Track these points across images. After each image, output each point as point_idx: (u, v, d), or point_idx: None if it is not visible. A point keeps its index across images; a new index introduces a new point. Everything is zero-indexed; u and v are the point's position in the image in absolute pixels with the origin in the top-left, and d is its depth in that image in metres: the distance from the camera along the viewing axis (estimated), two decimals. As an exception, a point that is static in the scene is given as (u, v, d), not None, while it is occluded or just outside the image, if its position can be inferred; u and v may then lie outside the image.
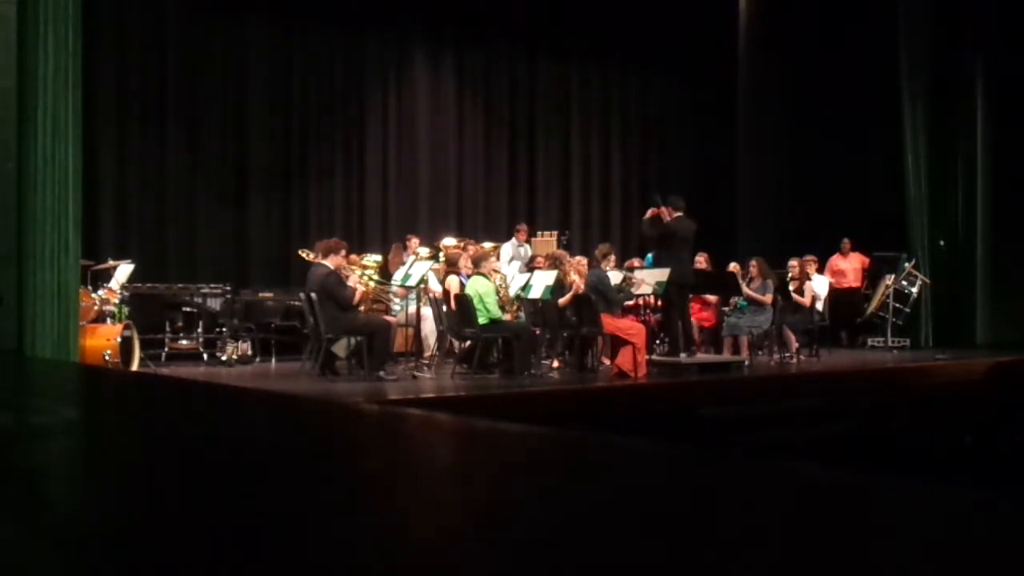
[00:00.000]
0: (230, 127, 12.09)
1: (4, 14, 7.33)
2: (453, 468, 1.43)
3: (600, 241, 12.20)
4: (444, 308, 9.24)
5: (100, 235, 10.76)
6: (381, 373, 8.22)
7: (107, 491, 1.27)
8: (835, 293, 12.16)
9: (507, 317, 9.44)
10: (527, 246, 11.85)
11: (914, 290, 12.45)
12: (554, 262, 9.52)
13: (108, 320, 8.56)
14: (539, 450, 1.52)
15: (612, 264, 10.23)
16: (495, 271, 9.85)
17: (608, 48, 14.80)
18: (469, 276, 9.18)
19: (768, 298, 10.27)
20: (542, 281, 9.17)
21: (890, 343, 12.15)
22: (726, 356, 10.10)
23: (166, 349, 10.35)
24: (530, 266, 11.09)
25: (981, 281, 13.14)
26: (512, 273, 10.71)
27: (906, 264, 12.59)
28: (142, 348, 8.87)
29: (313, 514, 1.06)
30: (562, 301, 9.14)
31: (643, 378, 8.64)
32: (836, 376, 9.65)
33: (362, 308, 8.99)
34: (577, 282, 9.29)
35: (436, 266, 9.89)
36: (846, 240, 12.83)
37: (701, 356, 9.74)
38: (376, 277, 10.38)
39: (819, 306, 11.11)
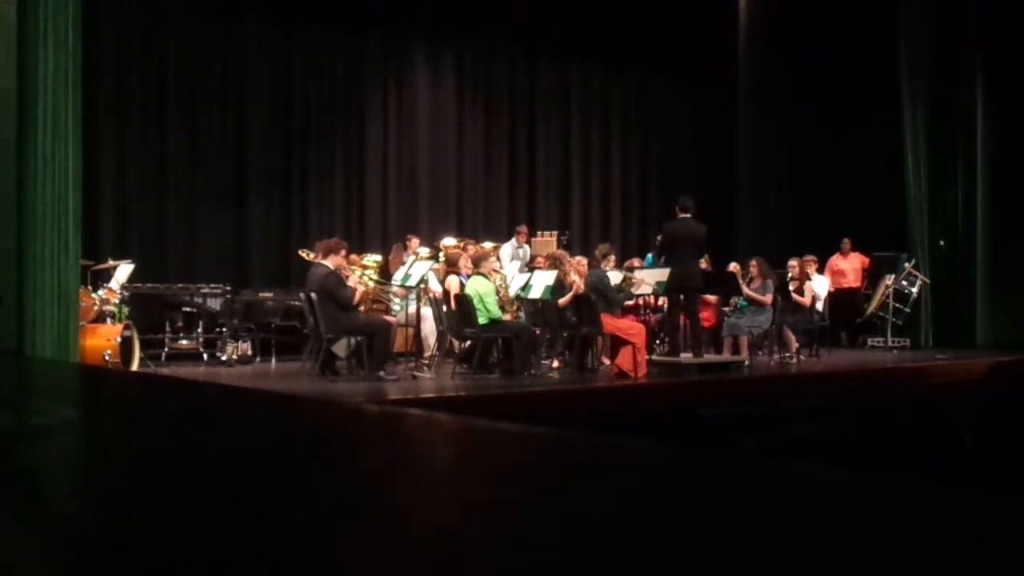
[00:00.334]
0: (230, 127, 12.09)
1: (4, 14, 7.33)
2: (453, 468, 1.43)
3: (600, 241, 12.20)
4: (444, 308, 9.24)
5: (100, 235, 10.77)
6: (381, 373, 8.22)
7: (107, 491, 1.27)
8: (835, 293, 12.17)
9: (507, 317, 9.44)
10: (527, 247, 11.85)
11: (914, 290, 12.45)
12: (554, 262, 9.52)
13: (108, 320, 8.56)
14: (539, 450, 1.52)
15: (612, 264, 10.23)
16: (495, 271, 9.85)
17: (608, 48, 14.81)
18: (469, 276, 9.18)
19: (768, 298, 10.26)
20: (542, 281, 9.17)
21: (890, 343, 12.15)
22: (726, 356, 10.09)
23: (166, 349, 10.35)
24: (530, 266, 11.09)
25: (981, 281, 13.15)
26: (512, 273, 10.71)
27: (906, 264, 12.59)
28: (142, 348, 8.87)
29: (313, 514, 1.06)
30: (562, 301, 9.14)
31: (643, 378, 8.64)
32: (836, 376, 9.65)
33: (362, 308, 8.99)
34: (577, 282, 9.29)
35: (436, 266, 9.89)
36: (846, 240, 12.83)
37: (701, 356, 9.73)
38: (376, 277, 10.38)
39: (819, 306, 11.11)
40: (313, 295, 8.36)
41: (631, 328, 9.07)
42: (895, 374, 10.12)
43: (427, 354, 9.69)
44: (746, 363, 9.84)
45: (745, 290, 10.28)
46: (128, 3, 11.37)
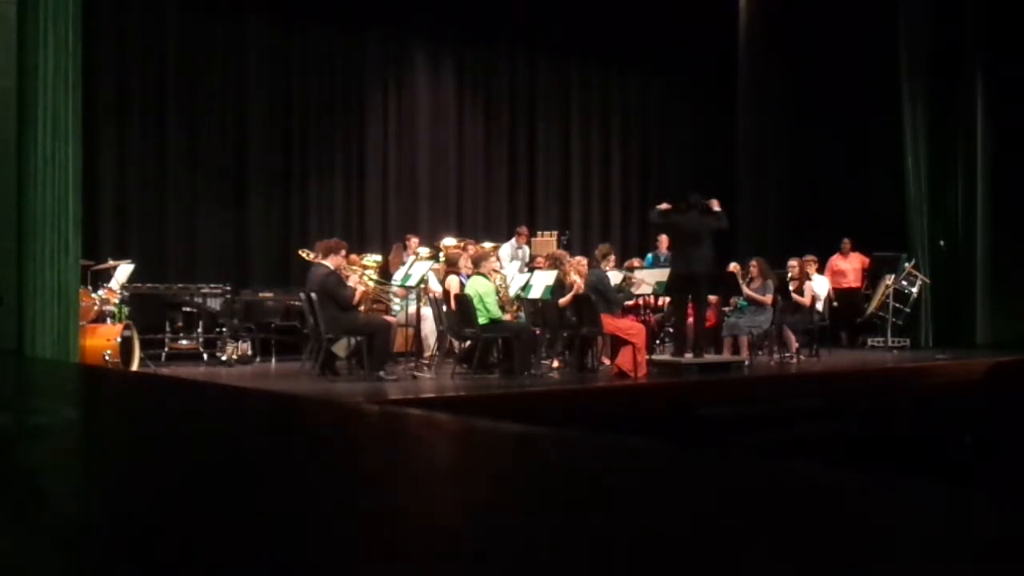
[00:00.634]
0: (230, 127, 12.09)
1: (4, 14, 7.33)
2: (453, 468, 1.43)
3: (600, 241, 12.20)
4: (444, 308, 9.24)
5: (100, 235, 10.77)
6: (381, 373, 8.22)
7: (107, 491, 1.27)
8: (835, 293, 12.17)
9: (507, 317, 9.44)
10: (526, 248, 11.85)
11: (914, 290, 12.45)
12: (554, 262, 9.52)
13: (108, 320, 8.56)
14: (539, 450, 1.52)
15: (612, 264, 10.23)
16: (495, 271, 9.85)
17: (608, 48, 14.81)
18: (469, 276, 9.18)
19: (768, 298, 10.26)
20: (542, 281, 9.17)
21: (890, 343, 12.15)
22: (726, 356, 10.09)
23: (166, 349, 10.35)
24: (530, 266, 11.09)
25: (981, 281, 13.14)
26: (512, 273, 10.71)
27: (906, 264, 12.59)
28: (142, 348, 8.87)
29: (313, 514, 1.06)
30: (562, 301, 9.14)
31: (643, 378, 8.64)
32: (836, 376, 9.65)
33: (362, 308, 8.99)
34: (577, 282, 9.29)
35: (436, 266, 9.89)
36: (846, 240, 12.83)
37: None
38: (376, 277, 10.38)
39: (819, 306, 11.11)
40: (313, 295, 8.36)
41: (631, 328, 9.07)
42: (895, 374, 10.12)
43: (427, 354, 9.69)
44: (746, 363, 9.84)
45: (745, 290, 10.28)
46: (128, 3, 11.37)
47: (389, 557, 0.90)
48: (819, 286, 11.32)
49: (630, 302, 10.23)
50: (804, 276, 11.03)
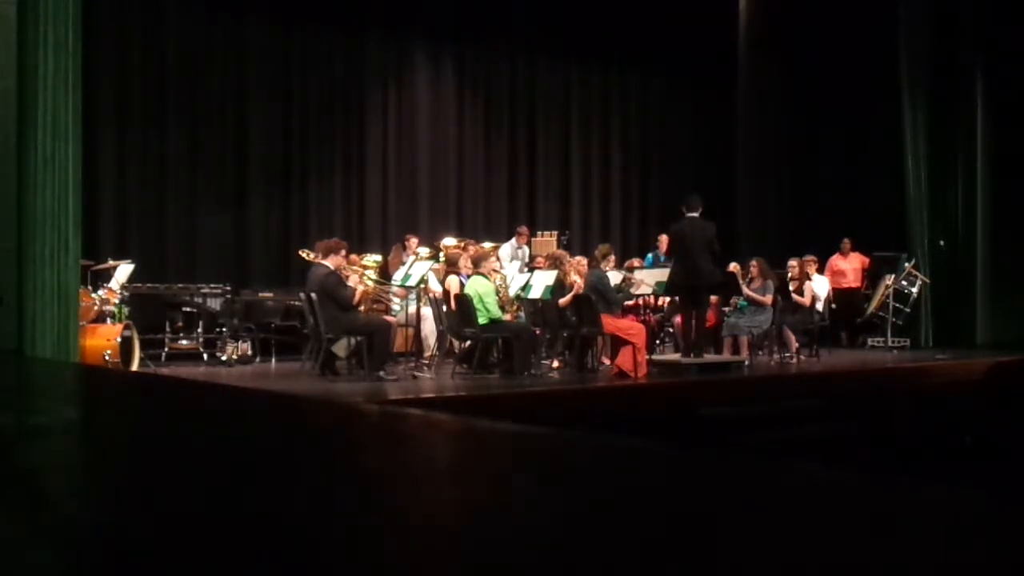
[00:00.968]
0: (230, 127, 12.08)
1: (4, 14, 7.33)
2: (453, 468, 1.43)
3: (600, 241, 12.20)
4: (444, 308, 9.24)
5: (100, 235, 10.76)
6: (381, 373, 8.22)
7: (107, 491, 1.27)
8: (835, 293, 12.17)
9: (507, 317, 9.44)
10: (525, 248, 11.85)
11: (914, 290, 12.45)
12: (554, 262, 9.51)
13: (108, 320, 8.55)
14: (539, 450, 1.52)
15: (612, 264, 10.23)
16: (495, 271, 9.85)
17: (608, 48, 14.81)
18: (469, 276, 9.18)
19: (768, 298, 10.26)
20: (542, 281, 9.17)
21: (890, 343, 12.15)
22: (726, 356, 10.09)
23: (166, 349, 10.35)
24: (530, 266, 11.09)
25: (981, 281, 13.14)
26: (512, 273, 10.71)
27: (906, 264, 12.59)
28: (142, 348, 8.87)
29: (313, 514, 1.06)
30: (562, 301, 9.14)
31: (643, 378, 8.64)
32: (836, 376, 9.64)
33: (362, 308, 8.99)
34: (577, 282, 9.29)
35: (436, 266, 9.89)
36: (846, 240, 12.83)
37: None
38: (376, 277, 10.38)
39: (819, 306, 11.11)
40: (313, 295, 8.36)
41: (631, 328, 9.07)
42: (895, 374, 10.12)
43: (427, 354, 9.69)
44: (746, 363, 9.84)
45: (745, 290, 10.28)
46: (128, 3, 11.36)
47: (389, 557, 0.90)
48: (819, 286, 11.32)
49: (630, 302, 10.23)
50: (804, 276, 11.02)
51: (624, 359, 8.78)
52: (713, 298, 10.70)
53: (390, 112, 13.34)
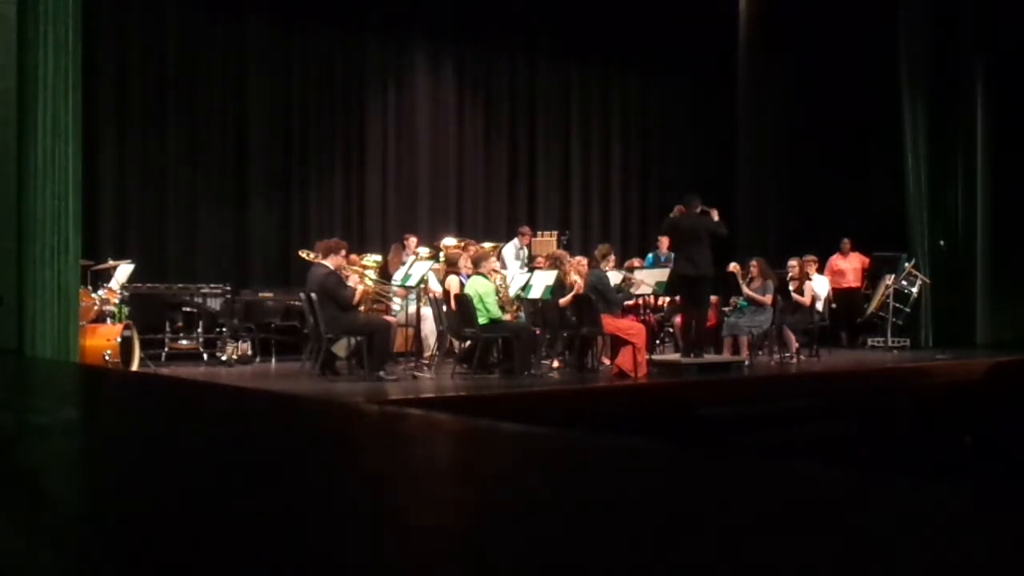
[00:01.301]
0: (230, 127, 12.08)
1: (4, 14, 7.33)
2: (453, 468, 1.43)
3: (600, 241, 12.20)
4: (444, 308, 9.24)
5: (100, 235, 10.76)
6: (381, 373, 8.22)
7: (107, 491, 1.27)
8: (835, 293, 12.17)
9: (507, 317, 9.44)
10: (526, 248, 11.86)
11: (914, 290, 12.45)
12: (554, 262, 9.51)
13: (108, 320, 8.56)
14: (539, 450, 1.52)
15: (612, 264, 10.23)
16: (495, 271, 9.85)
17: (608, 48, 14.81)
18: (469, 276, 9.18)
19: (768, 298, 10.26)
20: (542, 281, 9.17)
21: (890, 343, 12.15)
22: (726, 356, 10.09)
23: (166, 349, 10.35)
24: (530, 266, 11.09)
25: (981, 281, 13.14)
26: (512, 273, 10.72)
27: (906, 264, 12.59)
28: (142, 348, 8.87)
29: (313, 514, 1.06)
30: (562, 301, 9.14)
31: (643, 378, 8.64)
32: (836, 376, 9.65)
33: (362, 308, 8.99)
34: (577, 282, 9.29)
35: (436, 266, 9.89)
36: (846, 240, 12.83)
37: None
38: (376, 277, 10.38)
39: (819, 306, 11.11)
40: (313, 295, 8.36)
41: (631, 328, 9.07)
42: (895, 374, 10.12)
43: (427, 354, 9.69)
44: (746, 363, 9.84)
45: (745, 290, 10.28)
46: (128, 3, 11.36)
47: (389, 557, 0.90)
48: (819, 286, 11.32)
49: (630, 302, 10.23)
50: (804, 276, 11.03)
51: (624, 359, 8.78)
52: (713, 298, 10.71)
53: (390, 112, 13.34)
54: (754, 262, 10.62)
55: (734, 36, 14.68)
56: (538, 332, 9.28)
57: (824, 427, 7.95)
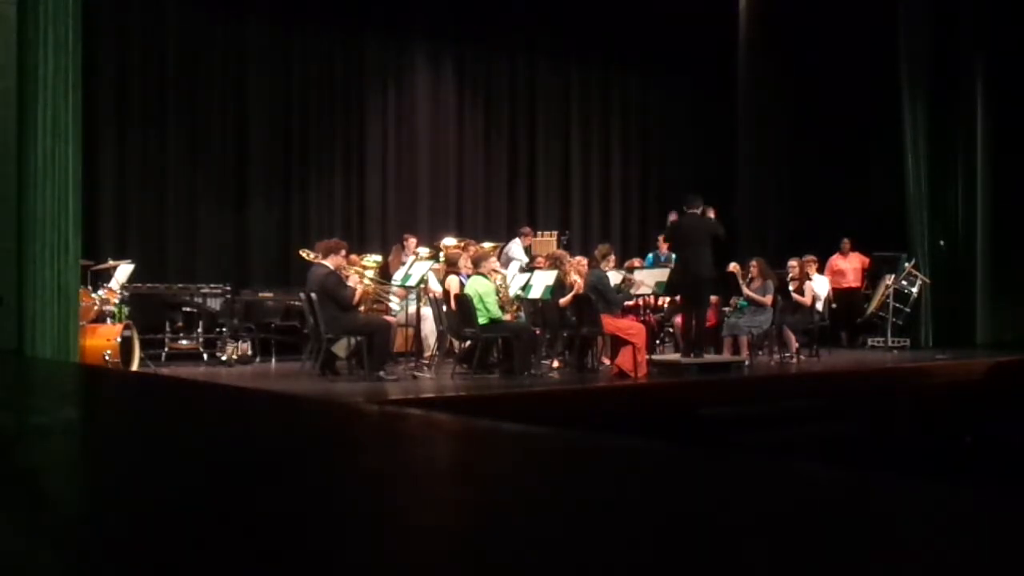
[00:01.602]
0: (230, 127, 12.09)
1: (4, 14, 7.33)
2: (453, 468, 1.43)
3: (600, 241, 12.20)
4: (444, 308, 9.24)
5: (100, 235, 10.76)
6: (381, 373, 8.22)
7: (107, 491, 1.27)
8: (835, 293, 12.17)
9: (507, 317, 9.44)
10: (526, 249, 11.86)
11: (914, 290, 12.44)
12: (554, 262, 9.51)
13: (108, 320, 8.55)
14: (539, 450, 1.52)
15: (612, 264, 10.23)
16: (495, 271, 9.85)
17: (608, 48, 14.81)
18: (469, 276, 9.18)
19: (768, 298, 10.26)
20: (542, 281, 9.17)
21: (890, 343, 12.15)
22: (726, 356, 10.08)
23: (166, 349, 10.35)
24: (530, 266, 11.09)
25: (981, 281, 13.14)
26: (512, 273, 10.72)
27: (906, 264, 12.58)
28: (142, 348, 8.87)
29: (313, 514, 1.06)
30: (562, 301, 9.14)
31: (643, 378, 8.64)
32: (836, 376, 9.64)
33: (362, 308, 8.99)
34: (577, 282, 9.29)
35: (436, 266, 9.89)
36: (846, 240, 12.83)
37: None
38: (376, 277, 10.38)
39: (819, 306, 11.11)
40: (313, 295, 8.36)
41: (631, 328, 9.07)
42: (895, 374, 10.12)
43: (427, 354, 9.69)
44: (746, 363, 9.84)
45: (745, 290, 10.28)
46: (128, 3, 11.36)
47: (389, 557, 0.90)
48: (819, 286, 11.32)
49: (630, 302, 10.22)
50: (804, 276, 11.02)
51: (624, 359, 8.78)
52: (713, 298, 10.70)
53: (390, 112, 13.34)
54: (754, 262, 10.62)
55: (734, 36, 14.67)
56: (538, 332, 9.28)
57: (824, 427, 7.94)
